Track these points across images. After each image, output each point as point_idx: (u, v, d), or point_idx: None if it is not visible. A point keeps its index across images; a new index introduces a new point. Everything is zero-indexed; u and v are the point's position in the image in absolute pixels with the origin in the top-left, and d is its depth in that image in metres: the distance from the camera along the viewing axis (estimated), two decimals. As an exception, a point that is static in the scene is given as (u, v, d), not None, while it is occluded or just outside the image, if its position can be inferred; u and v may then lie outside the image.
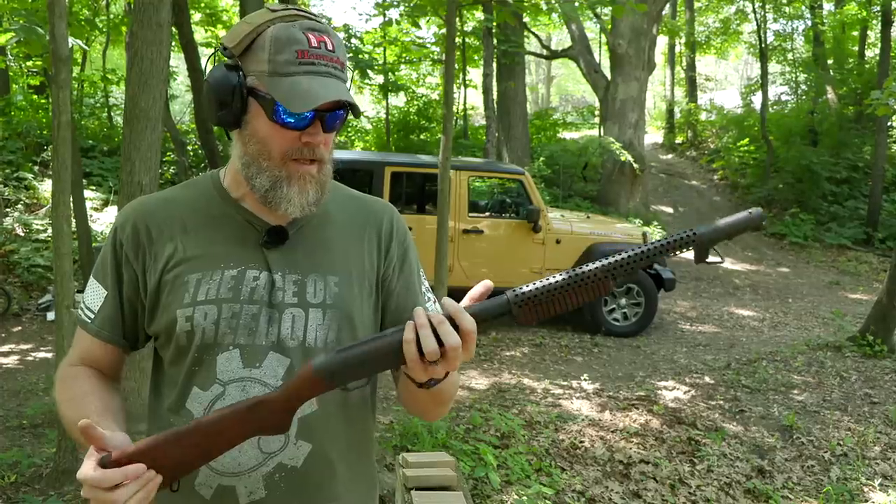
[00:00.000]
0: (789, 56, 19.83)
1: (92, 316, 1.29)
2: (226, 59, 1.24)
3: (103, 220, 9.92)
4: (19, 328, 7.38)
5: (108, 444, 1.06)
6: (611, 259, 1.13)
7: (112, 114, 14.51)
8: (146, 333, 1.32)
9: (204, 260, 1.26)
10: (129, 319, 1.30)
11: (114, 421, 1.17)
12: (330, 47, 1.21)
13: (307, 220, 1.32)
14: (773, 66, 19.93)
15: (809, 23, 18.66)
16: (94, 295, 1.30)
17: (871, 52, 18.55)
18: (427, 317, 1.07)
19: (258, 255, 1.27)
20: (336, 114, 1.23)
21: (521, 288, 1.12)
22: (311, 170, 1.24)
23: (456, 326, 1.06)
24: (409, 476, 3.04)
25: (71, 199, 4.13)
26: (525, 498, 3.77)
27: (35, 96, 13.21)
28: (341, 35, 12.56)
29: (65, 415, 1.25)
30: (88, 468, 1.04)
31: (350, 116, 1.32)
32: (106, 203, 10.44)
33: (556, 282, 1.12)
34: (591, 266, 1.12)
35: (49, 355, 6.47)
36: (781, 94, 20.26)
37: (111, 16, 13.15)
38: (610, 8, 7.61)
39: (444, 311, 1.08)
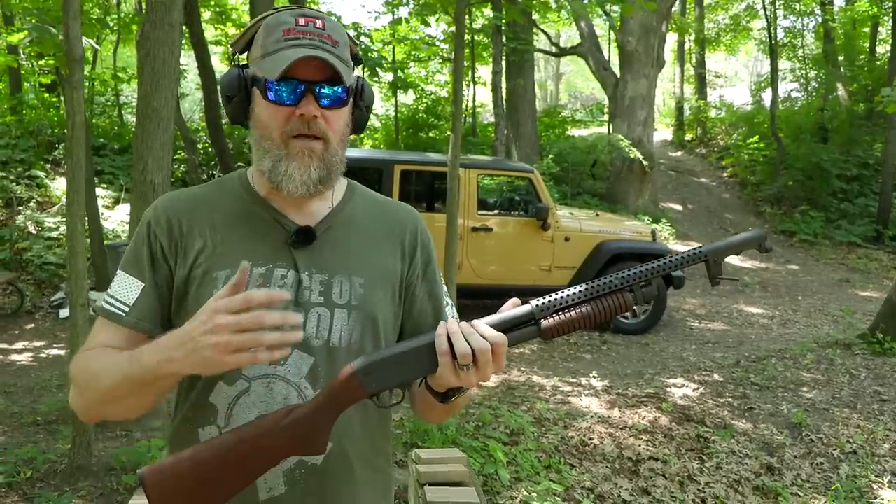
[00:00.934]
0: (799, 53, 19.78)
1: (126, 308, 1.28)
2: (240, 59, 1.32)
3: (115, 217, 9.98)
4: (32, 325, 7.46)
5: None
6: (626, 272, 1.18)
7: (123, 112, 14.59)
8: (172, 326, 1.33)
9: (233, 257, 1.27)
10: (165, 310, 1.31)
11: None
12: (319, 25, 1.25)
13: (334, 222, 1.35)
14: (784, 63, 19.87)
15: (820, 19, 18.59)
16: (127, 287, 1.29)
17: (883, 49, 18.46)
18: (458, 325, 1.13)
19: (286, 254, 1.29)
20: (331, 90, 1.25)
21: (544, 298, 1.17)
22: (313, 145, 1.25)
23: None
24: (422, 472, 3.07)
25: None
26: (535, 494, 3.80)
27: (47, 94, 13.28)
28: (351, 32, 12.61)
29: (89, 370, 1.23)
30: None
31: (371, 109, 1.36)
32: (117, 201, 10.51)
33: (576, 291, 1.17)
34: (608, 277, 1.18)
35: (62, 352, 6.53)
36: (791, 90, 20.19)
37: (122, 14, 13.22)
38: (619, 5, 7.59)
39: (477, 330, 1.13)
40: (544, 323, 1.16)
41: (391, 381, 1.16)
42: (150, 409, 1.26)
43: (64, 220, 9.42)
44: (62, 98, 10.43)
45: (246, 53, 1.32)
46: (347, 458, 1.29)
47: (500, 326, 1.15)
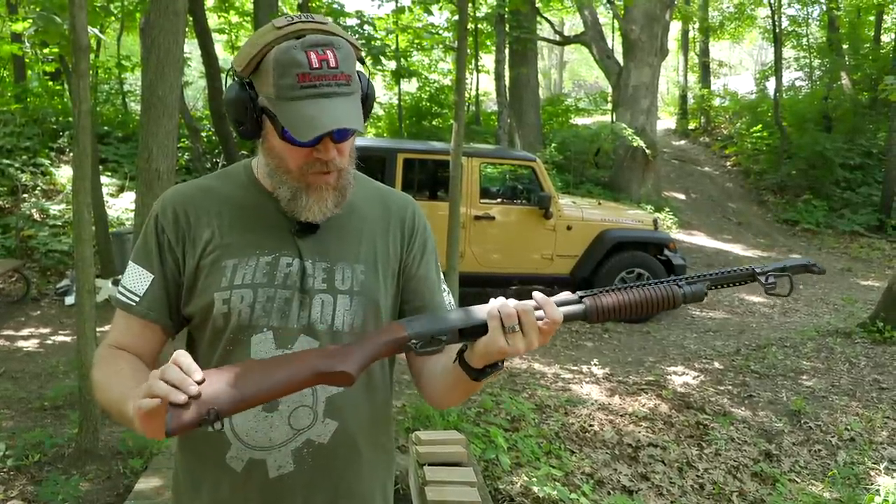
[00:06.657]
0: (804, 41, 19.71)
1: (137, 299, 1.34)
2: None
3: (119, 205, 10.03)
4: (38, 312, 7.51)
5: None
6: (682, 278, 1.29)
7: (127, 100, 14.60)
8: (182, 316, 1.38)
9: (240, 246, 1.33)
10: (174, 301, 1.36)
11: None
12: (333, 64, 1.19)
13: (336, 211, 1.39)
14: (788, 52, 19.81)
15: (824, 7, 18.51)
16: (138, 279, 1.35)
17: (887, 37, 18.41)
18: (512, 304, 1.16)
19: (290, 243, 1.35)
20: (344, 130, 1.24)
21: (599, 298, 1.22)
22: (328, 179, 1.29)
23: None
24: (421, 452, 3.13)
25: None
26: (535, 479, 3.85)
27: (51, 83, 13.29)
28: (353, 21, 12.59)
29: (100, 391, 1.28)
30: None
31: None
32: (122, 189, 10.54)
33: (632, 298, 1.23)
34: (662, 282, 1.26)
35: (69, 339, 6.58)
36: (795, 79, 20.15)
37: (125, 2, 13.21)
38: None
39: (535, 301, 1.17)
40: (588, 302, 1.21)
41: (436, 342, 1.18)
42: None
43: (69, 207, 9.47)
44: (66, 86, 10.44)
45: (252, 74, 1.27)
46: (353, 438, 1.35)
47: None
